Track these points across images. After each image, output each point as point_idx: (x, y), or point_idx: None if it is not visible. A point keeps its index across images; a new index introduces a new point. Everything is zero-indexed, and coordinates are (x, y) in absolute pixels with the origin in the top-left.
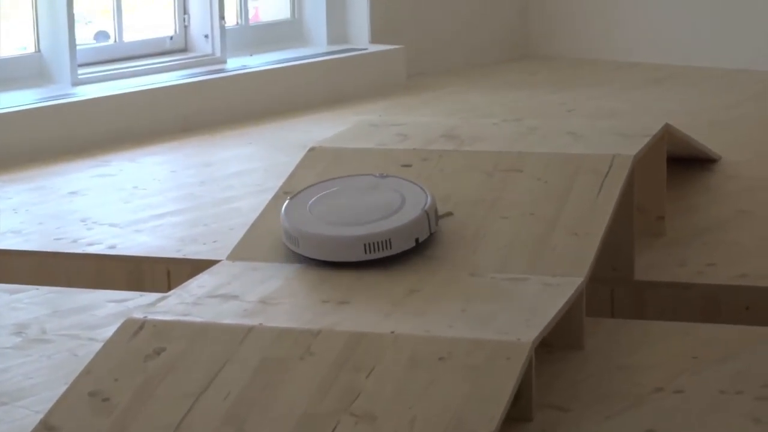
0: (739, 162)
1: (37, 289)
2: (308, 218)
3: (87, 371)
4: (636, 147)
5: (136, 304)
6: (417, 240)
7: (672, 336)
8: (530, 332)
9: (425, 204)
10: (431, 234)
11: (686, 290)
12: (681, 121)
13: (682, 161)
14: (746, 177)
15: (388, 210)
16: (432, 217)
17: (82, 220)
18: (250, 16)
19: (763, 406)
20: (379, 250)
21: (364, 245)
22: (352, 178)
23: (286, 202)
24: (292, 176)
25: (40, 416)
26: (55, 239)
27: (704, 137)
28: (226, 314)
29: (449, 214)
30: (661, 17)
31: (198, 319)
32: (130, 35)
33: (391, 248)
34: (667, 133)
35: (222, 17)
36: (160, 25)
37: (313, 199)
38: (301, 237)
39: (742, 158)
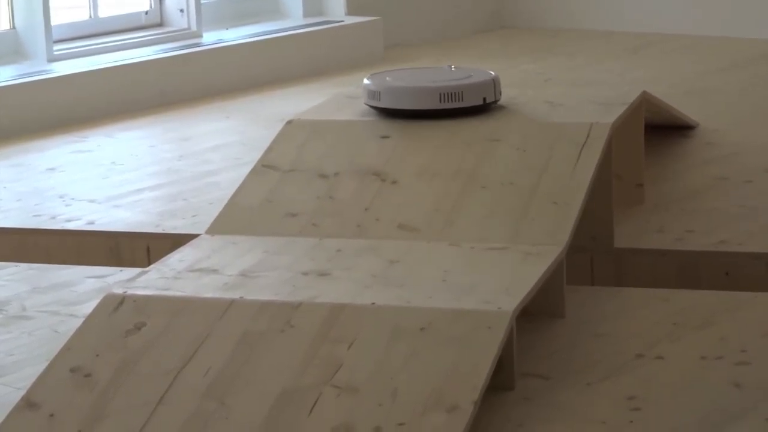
0: (716, 129)
1: (17, 266)
2: (389, 80)
3: (68, 347)
4: (614, 115)
5: (116, 279)
6: (485, 99)
7: (652, 303)
8: (511, 301)
9: (492, 76)
10: (496, 101)
11: (665, 257)
12: (658, 89)
13: (659, 129)
14: (724, 144)
15: (459, 77)
16: (498, 85)
17: (61, 197)
18: None
19: (743, 371)
20: (452, 101)
21: (440, 94)
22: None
23: (367, 76)
24: (270, 149)
25: (22, 393)
26: (33, 216)
27: (682, 105)
28: (207, 288)
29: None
30: None
31: (178, 294)
32: (106, 10)
33: (462, 101)
34: (645, 100)
35: None
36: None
37: (391, 74)
38: (383, 90)
39: (719, 125)
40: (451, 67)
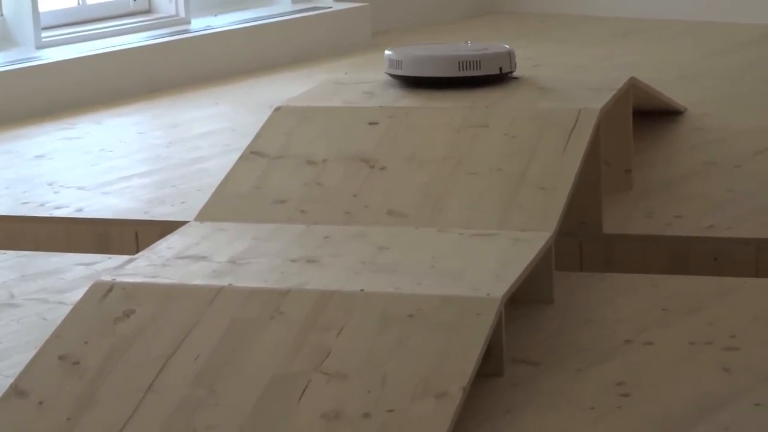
0: (704, 114)
1: (5, 253)
2: (410, 50)
3: (56, 335)
4: (602, 101)
5: (105, 266)
6: (501, 69)
7: (641, 288)
8: (500, 287)
9: (508, 48)
10: (511, 72)
11: (654, 242)
12: (646, 75)
13: (647, 114)
14: (712, 129)
15: (477, 49)
16: (513, 57)
17: (49, 184)
18: None
19: (732, 356)
20: (470, 69)
21: (458, 62)
22: (441, 43)
23: (388, 48)
24: (258, 136)
25: (11, 380)
26: (22, 203)
27: (670, 90)
28: (195, 275)
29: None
30: None
31: (167, 281)
32: None
33: (480, 69)
34: (633, 86)
35: None
36: None
37: (412, 46)
38: (405, 59)
39: (707, 110)
40: (468, 43)
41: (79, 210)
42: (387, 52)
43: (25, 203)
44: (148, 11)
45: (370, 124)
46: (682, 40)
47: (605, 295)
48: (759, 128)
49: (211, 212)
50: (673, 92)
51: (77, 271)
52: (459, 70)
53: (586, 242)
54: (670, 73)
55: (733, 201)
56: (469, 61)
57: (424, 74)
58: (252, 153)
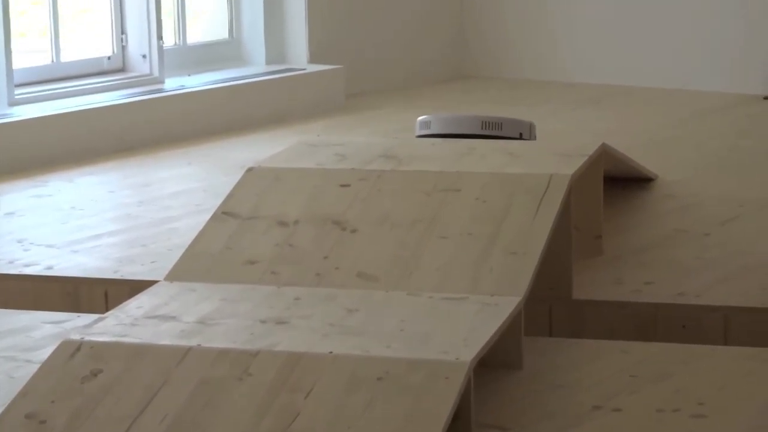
0: (675, 181)
1: None
2: (439, 113)
3: (23, 393)
4: (573, 166)
5: (74, 325)
6: (521, 134)
7: (610, 354)
8: (469, 351)
9: (530, 122)
10: (530, 139)
11: (624, 309)
12: (618, 141)
13: (618, 180)
14: (682, 196)
15: (500, 115)
16: (534, 129)
17: (19, 241)
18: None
19: (699, 424)
20: (492, 129)
21: (482, 122)
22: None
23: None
24: (230, 196)
25: None
26: None
27: (641, 156)
28: (164, 335)
29: None
30: (597, 38)
31: (135, 341)
32: (68, 55)
33: (501, 130)
34: (604, 152)
35: (160, 37)
36: (98, 45)
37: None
38: (434, 119)
39: (678, 177)
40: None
41: (49, 268)
42: (418, 118)
43: None
44: (122, 70)
45: (342, 186)
46: (651, 107)
47: (574, 360)
48: (728, 196)
49: (181, 272)
50: (644, 158)
51: (46, 330)
52: (482, 128)
53: (555, 308)
54: (640, 139)
55: (703, 268)
56: (492, 123)
57: (451, 131)
58: (223, 213)
